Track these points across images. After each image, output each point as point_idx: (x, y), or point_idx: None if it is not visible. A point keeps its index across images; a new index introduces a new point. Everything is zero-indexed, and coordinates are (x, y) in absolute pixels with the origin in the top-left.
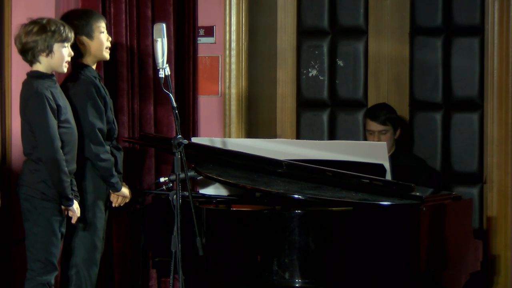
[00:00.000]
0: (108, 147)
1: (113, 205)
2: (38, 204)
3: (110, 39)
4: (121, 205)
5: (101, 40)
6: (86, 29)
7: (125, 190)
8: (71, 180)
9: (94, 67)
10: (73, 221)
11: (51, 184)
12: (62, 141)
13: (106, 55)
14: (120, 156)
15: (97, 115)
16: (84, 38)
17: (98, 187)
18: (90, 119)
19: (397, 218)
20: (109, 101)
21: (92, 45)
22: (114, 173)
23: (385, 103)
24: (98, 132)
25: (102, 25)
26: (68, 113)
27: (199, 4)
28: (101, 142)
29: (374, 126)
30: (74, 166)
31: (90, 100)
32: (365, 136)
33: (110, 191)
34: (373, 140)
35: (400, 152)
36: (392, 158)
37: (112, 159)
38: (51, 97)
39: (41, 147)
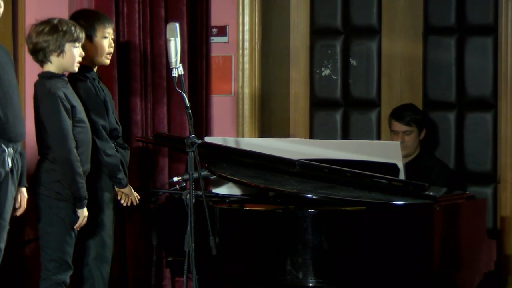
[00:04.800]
0: (112, 145)
1: (124, 204)
2: (52, 203)
3: (113, 45)
4: (129, 204)
5: (101, 45)
6: (88, 31)
7: (128, 188)
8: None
9: (95, 69)
10: (78, 225)
11: (66, 184)
12: (77, 141)
13: (106, 61)
14: (126, 154)
15: (97, 112)
16: (85, 40)
17: (108, 185)
18: (92, 117)
19: (411, 218)
20: (111, 103)
21: (90, 48)
22: (121, 168)
23: (412, 104)
24: (101, 128)
25: (107, 30)
26: (82, 112)
27: (212, 4)
28: (106, 138)
29: (398, 126)
30: (88, 166)
31: (88, 99)
32: (378, 135)
33: (116, 187)
34: (397, 141)
35: (424, 155)
36: (416, 161)
37: (118, 154)
38: (64, 97)
39: (55, 148)
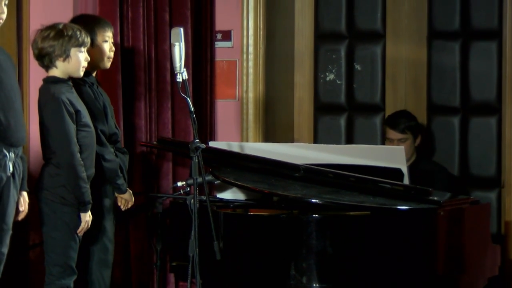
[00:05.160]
0: (111, 149)
1: (122, 209)
2: (57, 208)
3: (113, 49)
4: (128, 207)
5: (102, 49)
6: (89, 35)
7: (128, 193)
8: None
9: (94, 74)
10: (80, 229)
11: (71, 189)
12: (81, 146)
13: (107, 64)
14: (125, 159)
15: (96, 117)
16: None
17: (109, 190)
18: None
19: (415, 223)
20: (110, 108)
21: (91, 52)
22: (120, 174)
23: (405, 110)
24: (100, 133)
25: (108, 34)
26: (86, 117)
27: (217, 9)
28: (104, 143)
29: (393, 134)
30: (92, 171)
31: (87, 103)
32: (383, 139)
33: (115, 193)
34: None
35: (421, 160)
36: (413, 166)
37: (117, 160)
38: (68, 102)
39: (59, 152)
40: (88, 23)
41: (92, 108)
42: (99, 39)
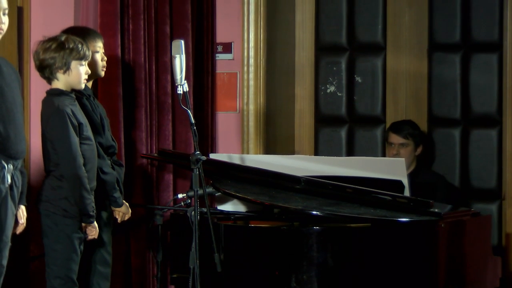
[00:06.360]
0: (109, 162)
1: (119, 221)
2: (59, 220)
3: (105, 58)
4: (125, 219)
5: (94, 60)
6: None
7: (124, 206)
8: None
9: (90, 84)
10: (89, 238)
11: (73, 201)
12: (84, 158)
13: (101, 73)
14: (121, 172)
15: (94, 129)
16: None
17: (107, 203)
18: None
19: (416, 235)
20: (106, 120)
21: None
22: (117, 187)
23: (411, 120)
24: (98, 146)
25: (98, 44)
26: (88, 130)
27: (217, 21)
28: (102, 155)
29: (395, 138)
30: (94, 184)
31: (86, 116)
32: (384, 152)
33: (112, 206)
34: (392, 153)
35: (420, 170)
36: (412, 175)
37: (114, 172)
38: (72, 114)
39: (64, 164)
40: (77, 35)
41: (90, 120)
42: (90, 50)
